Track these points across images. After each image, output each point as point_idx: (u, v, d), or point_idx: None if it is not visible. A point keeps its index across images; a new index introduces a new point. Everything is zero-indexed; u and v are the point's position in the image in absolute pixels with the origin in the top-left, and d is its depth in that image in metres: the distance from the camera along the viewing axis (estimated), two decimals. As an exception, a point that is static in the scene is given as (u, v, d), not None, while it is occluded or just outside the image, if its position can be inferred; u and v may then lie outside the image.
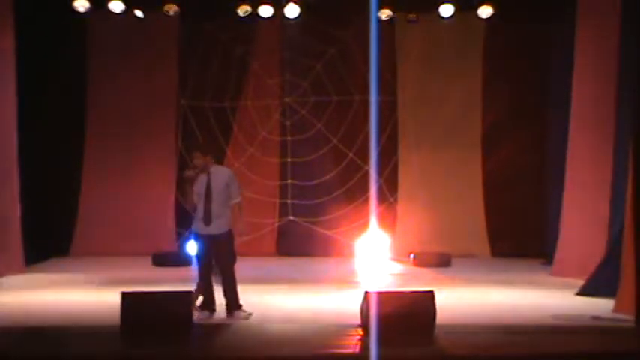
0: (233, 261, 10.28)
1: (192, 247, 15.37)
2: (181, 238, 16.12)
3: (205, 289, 10.22)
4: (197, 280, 10.32)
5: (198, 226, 10.23)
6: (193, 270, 14.36)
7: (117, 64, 16.54)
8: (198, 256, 10.35)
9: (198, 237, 10.27)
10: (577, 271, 12.74)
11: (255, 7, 16.09)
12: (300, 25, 16.34)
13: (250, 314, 10.13)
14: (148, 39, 16.58)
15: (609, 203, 12.91)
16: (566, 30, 14.14)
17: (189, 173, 10.28)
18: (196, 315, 9.67)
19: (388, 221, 16.64)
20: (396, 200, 16.92)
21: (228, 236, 10.26)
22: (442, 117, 16.86)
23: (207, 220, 10.14)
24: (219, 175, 10.27)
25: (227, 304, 10.17)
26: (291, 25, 16.43)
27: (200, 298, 10.23)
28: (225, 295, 10.17)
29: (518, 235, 16.18)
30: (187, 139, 16.58)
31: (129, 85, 16.59)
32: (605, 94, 13.13)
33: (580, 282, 12.11)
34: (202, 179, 10.19)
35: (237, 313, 10.12)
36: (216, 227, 10.16)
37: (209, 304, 10.19)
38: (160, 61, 16.69)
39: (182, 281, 12.10)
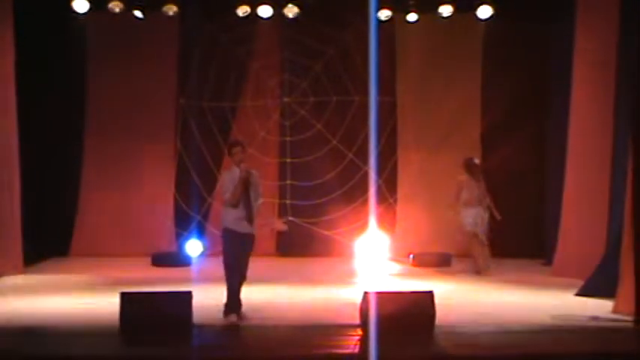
0: None
1: (193, 249, 15.47)
2: (181, 239, 16.14)
3: (237, 291, 9.98)
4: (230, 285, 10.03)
5: (239, 225, 9.99)
6: (193, 271, 14.51)
7: (116, 65, 16.51)
8: (233, 257, 10.01)
9: (235, 236, 9.99)
10: (576, 272, 12.74)
11: (254, 8, 16.09)
12: (300, 26, 16.33)
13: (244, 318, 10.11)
14: (148, 39, 16.56)
15: (609, 203, 12.91)
16: (566, 30, 14.14)
17: (247, 167, 10.09)
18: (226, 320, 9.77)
19: (387, 221, 16.64)
20: (395, 201, 16.93)
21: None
22: (441, 117, 16.87)
23: (251, 218, 10.02)
24: (253, 174, 10.16)
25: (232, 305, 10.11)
26: (291, 26, 16.43)
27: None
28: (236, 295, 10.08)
29: (518, 236, 16.14)
30: (186, 139, 16.59)
31: (128, 86, 16.57)
32: (604, 94, 13.14)
33: (579, 282, 12.12)
34: (237, 176, 10.01)
35: (239, 313, 10.06)
36: (255, 226, 10.12)
37: (237, 307, 10.00)
38: (159, 61, 16.67)
39: (182, 282, 12.15)
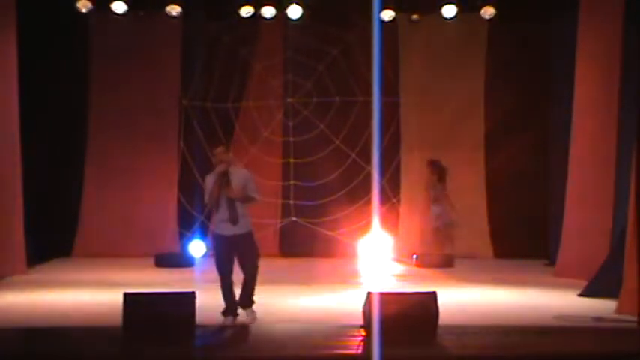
0: (258, 257, 10.10)
1: (196, 249, 15.45)
2: (184, 239, 16.14)
3: (228, 293, 9.94)
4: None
5: (222, 227, 9.92)
6: (196, 271, 14.51)
7: (119, 65, 16.54)
8: (220, 260, 9.98)
9: (220, 239, 9.96)
10: (580, 272, 12.74)
11: (257, 8, 16.09)
12: (303, 26, 16.33)
13: (255, 318, 10.08)
14: (151, 40, 16.58)
15: (612, 204, 12.91)
16: (569, 30, 14.14)
17: (222, 168, 9.92)
18: (222, 321, 9.75)
19: (391, 222, 16.64)
20: (398, 201, 16.93)
21: (252, 234, 10.09)
22: (445, 118, 16.87)
23: (234, 220, 9.88)
24: (238, 175, 10.03)
25: (241, 300, 10.02)
26: (294, 26, 16.42)
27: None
28: (245, 290, 9.97)
29: (521, 236, 16.15)
30: (189, 139, 16.59)
31: (131, 86, 16.59)
32: (607, 94, 13.14)
33: (583, 283, 12.11)
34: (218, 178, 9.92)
35: (248, 310, 10.00)
36: (243, 226, 9.94)
37: (233, 309, 9.97)
38: (163, 61, 16.69)
39: (185, 282, 12.15)
